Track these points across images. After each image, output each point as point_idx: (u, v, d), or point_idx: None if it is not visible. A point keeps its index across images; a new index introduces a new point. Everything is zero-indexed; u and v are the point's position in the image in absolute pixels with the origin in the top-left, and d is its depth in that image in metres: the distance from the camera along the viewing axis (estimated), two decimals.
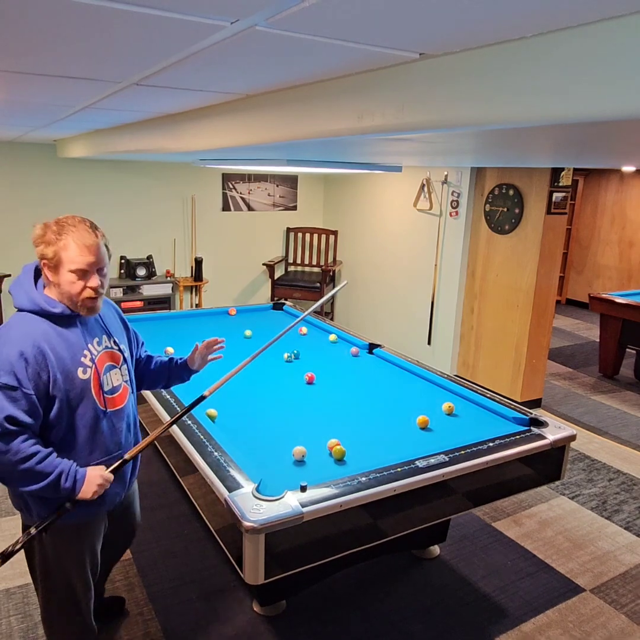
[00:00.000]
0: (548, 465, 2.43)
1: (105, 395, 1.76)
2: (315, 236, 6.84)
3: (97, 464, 1.75)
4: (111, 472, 1.72)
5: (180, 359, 2.11)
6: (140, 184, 6.07)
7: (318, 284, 6.22)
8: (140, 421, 2.08)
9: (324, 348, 3.66)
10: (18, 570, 2.74)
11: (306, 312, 2.11)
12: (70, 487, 1.63)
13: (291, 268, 6.92)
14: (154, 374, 2.09)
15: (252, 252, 6.76)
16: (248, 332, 3.82)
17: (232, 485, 1.92)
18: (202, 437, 2.29)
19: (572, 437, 2.43)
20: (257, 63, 1.42)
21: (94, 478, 1.67)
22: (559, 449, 2.41)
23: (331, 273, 6.47)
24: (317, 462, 2.17)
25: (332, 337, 3.79)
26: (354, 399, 2.83)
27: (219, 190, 6.46)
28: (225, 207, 6.54)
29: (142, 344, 2.12)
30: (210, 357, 2.11)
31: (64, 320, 1.68)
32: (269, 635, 2.41)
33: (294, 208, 6.92)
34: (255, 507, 1.79)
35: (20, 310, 1.67)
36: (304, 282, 6.32)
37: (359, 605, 2.59)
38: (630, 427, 4.66)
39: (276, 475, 2.06)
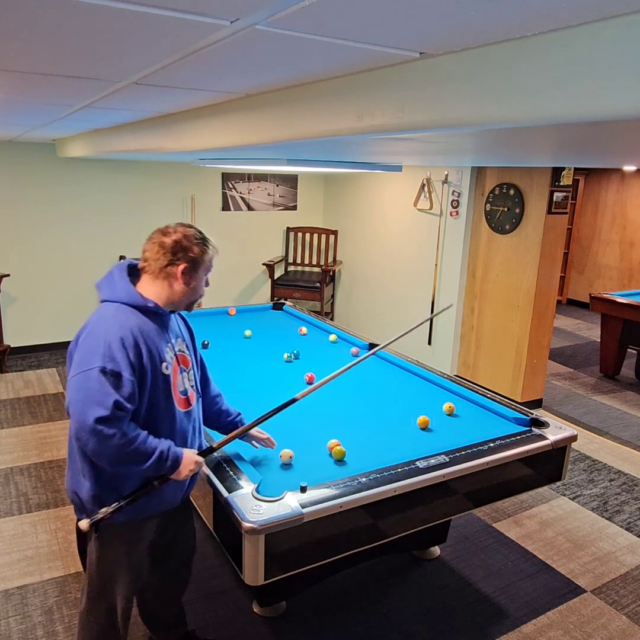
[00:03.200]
0: (549, 466, 2.43)
1: (182, 396, 1.84)
2: (315, 236, 6.84)
3: None
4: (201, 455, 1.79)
5: (239, 418, 2.16)
6: (139, 183, 6.06)
7: (318, 284, 6.22)
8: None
9: (324, 348, 3.65)
10: (17, 571, 2.74)
11: (399, 335, 2.15)
12: (170, 466, 1.70)
13: (291, 268, 6.91)
14: (204, 403, 2.12)
15: (252, 252, 6.75)
16: (248, 332, 3.82)
17: (232, 486, 1.92)
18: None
19: (573, 438, 2.42)
20: (257, 62, 1.41)
21: (189, 460, 1.75)
22: (560, 450, 2.41)
23: (331, 273, 6.47)
24: (317, 462, 2.17)
25: (332, 337, 3.78)
26: (354, 399, 2.82)
27: (218, 190, 6.46)
28: (225, 207, 6.53)
29: (204, 363, 2.15)
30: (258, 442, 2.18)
31: (153, 316, 1.76)
32: (269, 636, 2.40)
33: (294, 208, 6.92)
34: (255, 507, 1.79)
35: (108, 301, 1.74)
36: (304, 282, 6.31)
37: (359, 605, 2.59)
38: (631, 427, 4.66)
39: (276, 475, 2.06)
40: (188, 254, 1.74)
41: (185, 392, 1.86)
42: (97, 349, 1.61)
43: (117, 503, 1.70)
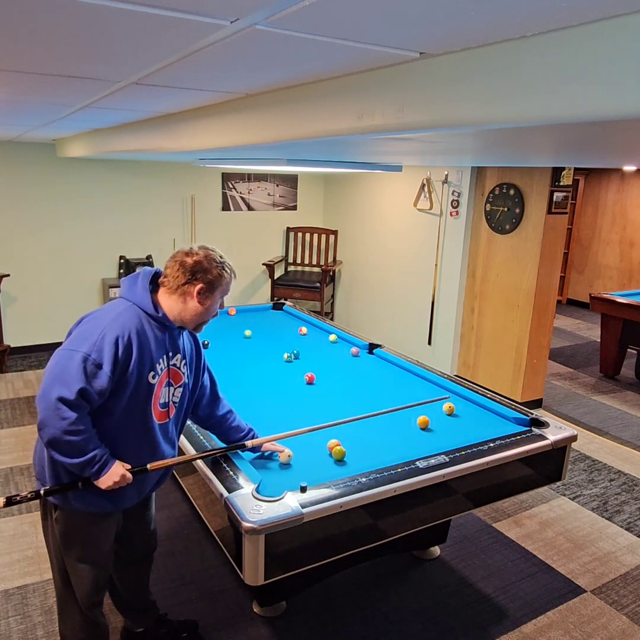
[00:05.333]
0: (549, 466, 2.43)
1: (161, 408, 1.86)
2: (315, 236, 6.84)
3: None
4: (132, 473, 1.79)
5: (250, 434, 2.17)
6: (140, 183, 6.06)
7: (318, 284, 6.22)
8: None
9: (324, 348, 3.65)
10: (17, 571, 2.74)
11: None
12: (94, 472, 1.70)
13: (291, 268, 6.91)
14: (213, 421, 2.15)
15: (252, 252, 6.75)
16: (248, 332, 3.82)
17: (232, 486, 1.92)
18: (201, 437, 2.29)
19: (573, 438, 2.42)
20: (257, 62, 1.41)
21: (115, 474, 1.73)
22: (560, 450, 2.41)
23: (331, 273, 6.47)
24: (317, 462, 2.17)
25: (332, 337, 3.78)
26: (354, 399, 2.82)
27: (218, 190, 6.46)
28: (225, 207, 6.53)
29: (214, 382, 2.16)
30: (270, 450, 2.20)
31: (159, 325, 1.81)
32: (269, 636, 2.40)
33: (294, 208, 6.92)
34: (255, 507, 1.79)
35: (123, 299, 1.80)
36: (304, 282, 6.31)
37: (359, 605, 2.59)
38: (631, 427, 4.66)
39: (276, 475, 2.06)
40: (206, 276, 1.79)
41: (165, 405, 1.88)
42: (91, 336, 1.67)
43: (34, 491, 1.74)
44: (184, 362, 1.94)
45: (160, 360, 1.81)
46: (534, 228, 4.54)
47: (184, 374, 1.94)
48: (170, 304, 1.82)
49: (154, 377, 1.78)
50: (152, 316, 1.79)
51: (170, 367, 1.87)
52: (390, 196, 5.89)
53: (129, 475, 1.76)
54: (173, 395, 1.92)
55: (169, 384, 1.87)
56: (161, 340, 1.82)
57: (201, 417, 2.13)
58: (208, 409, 2.12)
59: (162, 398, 1.85)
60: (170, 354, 1.86)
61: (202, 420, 2.15)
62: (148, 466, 1.82)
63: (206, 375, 2.12)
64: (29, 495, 1.72)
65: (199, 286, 1.79)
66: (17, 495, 1.71)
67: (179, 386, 1.93)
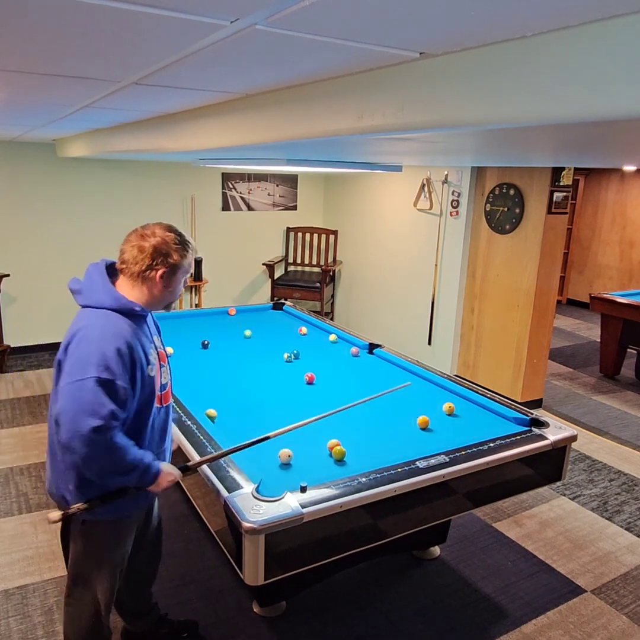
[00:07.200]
0: (549, 466, 2.43)
1: (160, 392, 1.85)
2: (315, 236, 6.83)
3: None
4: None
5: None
6: (139, 183, 6.06)
7: (318, 284, 6.22)
8: None
9: (324, 348, 3.65)
10: (17, 571, 2.74)
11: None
12: (150, 481, 1.72)
13: (291, 268, 6.91)
14: None
15: (252, 252, 6.75)
16: (248, 332, 3.82)
17: (232, 486, 1.92)
18: (201, 437, 2.29)
19: (573, 438, 2.43)
20: (257, 62, 1.41)
21: (168, 474, 1.77)
22: (560, 450, 2.41)
23: (331, 273, 6.47)
24: (317, 462, 2.17)
25: (332, 337, 3.79)
26: (354, 399, 2.82)
27: (218, 190, 6.46)
28: (225, 207, 6.53)
29: None
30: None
31: (139, 319, 1.77)
32: (269, 636, 2.40)
33: (294, 208, 6.92)
34: (255, 507, 1.79)
35: (92, 307, 1.70)
36: (303, 282, 6.31)
37: (359, 605, 2.59)
38: (631, 427, 4.66)
39: (276, 475, 2.06)
40: (167, 260, 1.73)
41: (164, 387, 1.88)
42: (91, 359, 1.59)
43: (89, 501, 1.72)
44: (160, 340, 1.94)
45: (151, 351, 1.79)
46: (534, 228, 4.54)
47: (164, 350, 1.94)
48: (136, 293, 1.76)
49: (152, 370, 1.77)
50: (130, 312, 1.72)
51: (159, 351, 1.86)
52: (390, 196, 5.89)
53: (179, 473, 1.81)
54: (169, 374, 1.93)
55: (161, 366, 1.87)
56: (145, 332, 1.79)
57: None
58: None
59: (160, 382, 1.85)
60: (154, 339, 1.86)
61: None
62: (189, 464, 1.87)
63: None
64: (82, 507, 1.70)
65: (161, 271, 1.73)
66: (68, 508, 1.71)
67: (167, 363, 1.94)
